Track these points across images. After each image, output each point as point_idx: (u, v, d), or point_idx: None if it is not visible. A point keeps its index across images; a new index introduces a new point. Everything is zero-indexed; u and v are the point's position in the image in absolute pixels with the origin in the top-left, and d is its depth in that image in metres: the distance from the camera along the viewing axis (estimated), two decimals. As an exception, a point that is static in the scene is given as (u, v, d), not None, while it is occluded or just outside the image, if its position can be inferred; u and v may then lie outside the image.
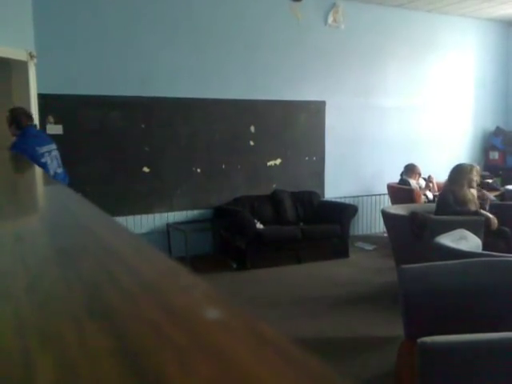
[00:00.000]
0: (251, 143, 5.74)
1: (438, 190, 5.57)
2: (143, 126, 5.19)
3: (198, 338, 0.18)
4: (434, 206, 4.50)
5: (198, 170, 5.48)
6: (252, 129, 5.73)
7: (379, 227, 6.24)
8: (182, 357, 0.16)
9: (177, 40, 5.26)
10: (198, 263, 4.95)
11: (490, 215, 3.80)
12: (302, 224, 5.59)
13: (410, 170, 5.93)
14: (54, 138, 4.83)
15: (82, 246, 0.35)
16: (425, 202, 5.57)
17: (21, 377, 0.15)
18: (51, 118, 4.81)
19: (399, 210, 4.52)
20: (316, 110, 6.09)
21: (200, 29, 5.36)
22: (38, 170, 1.16)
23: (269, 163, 5.85)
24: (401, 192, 5.78)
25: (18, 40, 4.27)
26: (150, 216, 5.28)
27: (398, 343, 2.41)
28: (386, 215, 4.48)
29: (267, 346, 0.17)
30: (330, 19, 6.01)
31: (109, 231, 0.42)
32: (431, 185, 5.83)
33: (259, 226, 5.24)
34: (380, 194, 6.44)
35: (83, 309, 0.21)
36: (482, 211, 3.82)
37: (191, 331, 0.18)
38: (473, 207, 3.86)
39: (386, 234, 5.20)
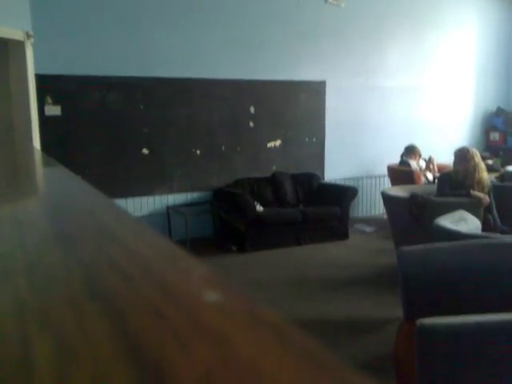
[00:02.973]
0: (251, 124, 5.71)
1: (439, 172, 5.57)
2: (142, 106, 5.15)
3: (197, 321, 0.18)
4: (434, 187, 4.51)
5: (198, 152, 5.46)
6: (252, 109, 5.70)
7: (379, 209, 6.25)
8: (181, 340, 0.16)
9: (175, 19, 5.19)
10: (198, 246, 4.97)
11: (481, 194, 3.83)
12: (301, 206, 5.60)
13: (411, 151, 5.92)
14: (53, 119, 4.81)
15: (81, 229, 0.35)
16: (425, 183, 5.57)
17: (20, 358, 0.15)
18: (49, 99, 4.78)
19: (399, 191, 4.52)
20: (316, 91, 6.04)
21: (198, 8, 5.29)
22: (38, 152, 1.16)
23: (269, 144, 5.83)
24: (401, 173, 5.77)
25: (14, 19, 4.21)
26: (150, 198, 5.28)
27: (397, 325, 2.43)
28: (386, 197, 4.49)
29: (265, 328, 0.17)
30: (331, -2, 5.91)
31: (108, 214, 0.42)
32: (431, 166, 5.82)
33: (259, 208, 5.25)
34: (380, 176, 6.43)
35: (82, 291, 0.21)
36: (473, 192, 3.84)
37: (190, 314, 0.18)
38: (465, 190, 3.90)
39: (385, 216, 5.22)
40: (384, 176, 6.33)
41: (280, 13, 5.68)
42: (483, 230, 3.41)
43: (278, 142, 5.88)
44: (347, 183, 6.04)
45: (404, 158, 5.92)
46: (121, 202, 4.83)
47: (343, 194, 5.50)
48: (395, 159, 6.05)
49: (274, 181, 5.72)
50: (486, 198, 3.82)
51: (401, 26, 6.44)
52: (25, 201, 0.49)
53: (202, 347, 0.15)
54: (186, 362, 0.14)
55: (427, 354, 1.69)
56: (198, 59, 5.33)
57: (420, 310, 2.03)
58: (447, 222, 2.91)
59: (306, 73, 5.91)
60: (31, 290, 0.22)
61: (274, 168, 5.85)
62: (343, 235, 5.41)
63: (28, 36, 4.35)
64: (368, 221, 6.17)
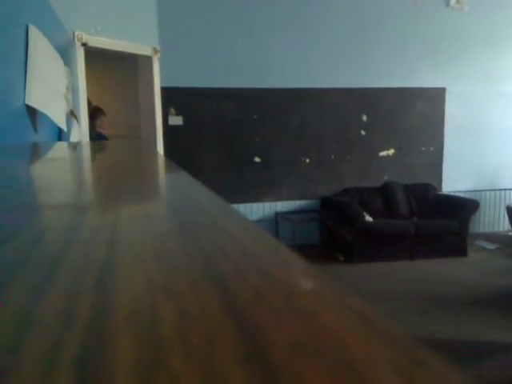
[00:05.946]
0: (362, 133, 5.61)
1: None
2: (255, 117, 5.35)
3: (293, 304, 0.20)
4: None
5: (307, 160, 5.51)
6: (364, 118, 5.60)
7: (503, 225, 5.73)
8: (277, 316, 0.19)
9: (287, 31, 5.31)
10: (305, 253, 4.98)
11: None
12: (415, 218, 5.34)
13: (544, 162, 5.33)
14: (175, 128, 5.20)
15: (199, 224, 0.40)
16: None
17: (149, 318, 0.19)
18: (172, 110, 5.18)
19: (528, 206, 4.10)
20: (434, 98, 5.74)
21: (310, 17, 5.35)
22: (162, 158, 1.28)
23: (381, 153, 5.67)
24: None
25: (144, 36, 4.65)
26: (260, 204, 5.45)
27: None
28: (512, 212, 4.10)
29: (353, 311, 0.19)
30: (453, 0, 5.60)
31: (223, 213, 0.46)
32: None
33: (368, 218, 5.12)
34: (505, 189, 5.89)
35: (199, 273, 0.25)
36: None
37: (287, 297, 0.21)
38: None
39: (510, 233, 4.77)
40: (510, 189, 5.79)
41: (397, 16, 5.52)
42: None
43: (391, 151, 5.70)
44: (467, 196, 5.63)
45: (535, 170, 5.36)
46: (234, 207, 5.06)
47: (462, 207, 5.14)
48: (524, 171, 5.51)
49: (385, 191, 5.54)
50: None
51: (535, 25, 5.86)
52: (153, 199, 0.56)
53: (294, 324, 0.18)
54: (278, 333, 0.17)
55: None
56: (310, 69, 5.39)
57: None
58: None
59: (424, 79, 5.66)
60: (159, 271, 0.26)
61: (386, 178, 5.67)
62: (461, 251, 5.05)
63: (155, 51, 4.77)
64: (490, 237, 5.68)
